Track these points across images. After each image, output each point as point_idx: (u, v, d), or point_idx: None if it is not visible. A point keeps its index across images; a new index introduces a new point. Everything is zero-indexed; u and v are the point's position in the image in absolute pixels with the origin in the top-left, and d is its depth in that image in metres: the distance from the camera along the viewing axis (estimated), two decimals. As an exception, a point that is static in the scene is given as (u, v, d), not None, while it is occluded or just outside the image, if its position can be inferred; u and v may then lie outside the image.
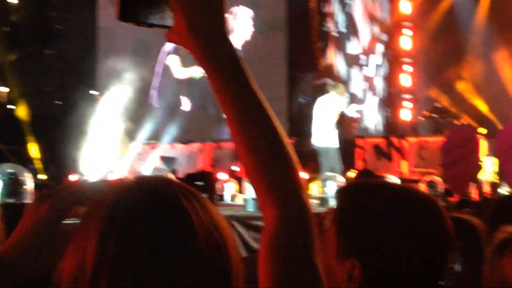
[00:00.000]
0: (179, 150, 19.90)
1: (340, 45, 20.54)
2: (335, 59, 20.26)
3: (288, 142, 1.41)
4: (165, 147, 19.98)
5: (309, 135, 18.58)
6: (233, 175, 17.52)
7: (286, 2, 18.83)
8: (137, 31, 19.60)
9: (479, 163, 14.23)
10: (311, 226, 1.35)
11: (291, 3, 18.69)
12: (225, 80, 1.34)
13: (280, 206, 1.32)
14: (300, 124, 19.13)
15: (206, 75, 1.35)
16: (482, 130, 21.25)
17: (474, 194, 12.19)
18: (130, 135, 19.62)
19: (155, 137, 19.85)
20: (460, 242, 2.46)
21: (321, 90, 18.82)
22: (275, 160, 1.36)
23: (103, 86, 19.99)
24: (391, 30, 23.96)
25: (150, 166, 18.06)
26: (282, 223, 1.31)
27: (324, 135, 13.12)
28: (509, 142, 12.00)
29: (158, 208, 1.14)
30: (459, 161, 11.00)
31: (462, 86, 22.75)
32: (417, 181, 13.95)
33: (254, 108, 1.36)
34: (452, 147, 11.59)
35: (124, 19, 1.38)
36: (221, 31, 1.35)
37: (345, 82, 20.50)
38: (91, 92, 21.13)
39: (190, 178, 9.75)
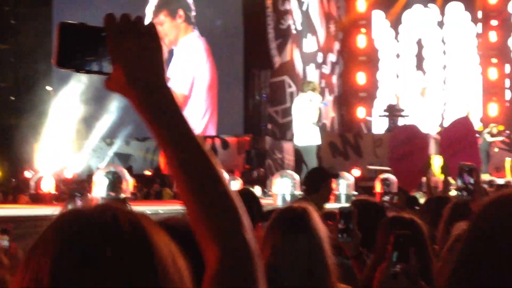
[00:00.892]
0: (134, 147, 19.79)
1: (298, 43, 20.60)
2: (294, 56, 20.31)
3: (226, 183, 1.37)
4: (120, 144, 19.86)
5: (265, 132, 18.68)
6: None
7: (242, 1, 18.83)
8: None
9: (428, 160, 14.39)
10: (253, 264, 1.32)
11: (247, 2, 18.69)
12: (165, 131, 1.35)
13: (220, 247, 1.31)
14: (256, 121, 19.18)
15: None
16: (436, 130, 21.53)
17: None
18: (86, 131, 19.48)
19: (110, 134, 19.71)
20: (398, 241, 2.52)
21: (278, 88, 18.92)
22: (214, 203, 1.34)
23: (58, 82, 19.79)
24: (347, 29, 24.13)
25: (105, 163, 17.93)
26: (223, 264, 1.30)
27: (306, 133, 13.02)
28: (452, 138, 12.19)
29: (115, 241, 1.11)
30: (406, 157, 11.10)
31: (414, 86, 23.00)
32: (372, 178, 14.07)
33: (193, 155, 1.36)
34: (399, 143, 11.71)
35: (62, 66, 1.36)
36: (159, 81, 1.36)
37: (302, 80, 20.59)
38: (47, 88, 20.92)
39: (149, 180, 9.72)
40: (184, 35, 20.24)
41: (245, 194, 5.09)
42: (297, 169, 12.93)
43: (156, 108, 1.35)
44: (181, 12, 20.25)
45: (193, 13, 20.16)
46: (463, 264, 1.31)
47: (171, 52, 19.95)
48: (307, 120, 12.88)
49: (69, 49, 1.36)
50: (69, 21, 1.38)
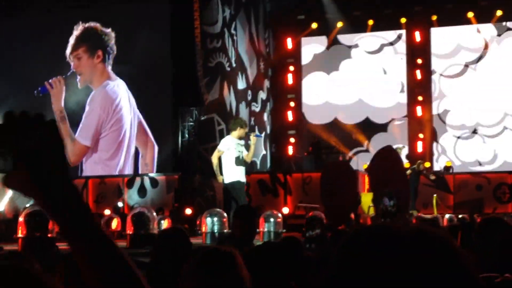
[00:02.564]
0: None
1: (231, 80, 20.68)
2: (228, 93, 20.38)
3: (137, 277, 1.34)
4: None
5: (194, 170, 18.59)
6: (115, 211, 17.30)
7: (171, 37, 18.83)
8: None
9: (357, 196, 14.56)
10: None
11: (175, 38, 18.69)
12: (68, 226, 1.34)
13: None
14: (187, 159, 19.09)
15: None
16: (364, 166, 21.79)
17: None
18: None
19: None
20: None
21: (208, 125, 18.92)
22: None
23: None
24: (276, 66, 24.36)
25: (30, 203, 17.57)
26: None
27: (233, 171, 12.99)
28: (379, 171, 12.36)
29: None
30: (336, 193, 11.21)
31: (342, 121, 23.28)
32: (302, 216, 14.12)
33: (103, 250, 1.33)
34: (327, 181, 11.82)
35: None
36: (61, 178, 1.35)
37: (233, 117, 20.64)
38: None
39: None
40: (100, 80, 20.17)
41: (175, 233, 5.04)
42: (226, 207, 12.91)
43: (59, 203, 1.33)
44: (99, 52, 20.21)
45: (112, 55, 20.11)
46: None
47: (84, 91, 19.99)
48: (234, 158, 12.91)
49: None
50: None
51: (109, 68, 20.14)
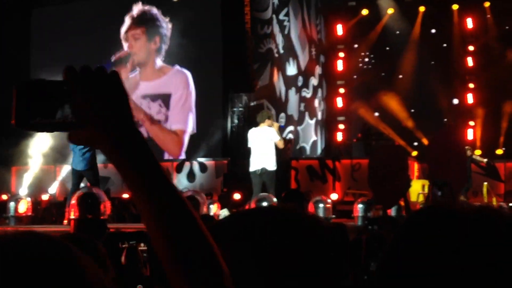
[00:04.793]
0: (112, 170, 19.69)
1: (280, 66, 20.69)
2: (277, 79, 20.40)
3: (205, 230, 1.32)
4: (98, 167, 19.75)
5: (243, 155, 18.67)
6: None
7: (222, 24, 18.91)
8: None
9: (409, 182, 14.46)
10: None
11: (226, 25, 18.77)
12: (136, 175, 1.31)
13: None
14: (236, 144, 19.18)
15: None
16: (414, 153, 21.65)
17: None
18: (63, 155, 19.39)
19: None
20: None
21: (257, 111, 18.98)
22: (192, 253, 1.30)
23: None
24: (327, 52, 24.28)
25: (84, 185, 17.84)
26: None
27: (258, 160, 13.32)
28: (438, 150, 12.28)
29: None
30: (385, 179, 11.13)
31: (394, 109, 23.13)
32: (351, 202, 14.11)
33: (170, 203, 1.31)
34: (377, 164, 11.72)
35: (22, 127, 1.30)
36: (129, 127, 1.33)
37: (283, 103, 20.66)
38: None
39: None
40: (152, 66, 20.30)
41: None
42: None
43: (128, 152, 1.32)
44: (157, 39, 20.31)
45: (165, 47, 20.26)
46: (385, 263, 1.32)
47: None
48: (261, 149, 13.29)
49: (29, 109, 1.30)
50: (26, 81, 1.31)
51: (161, 57, 20.33)
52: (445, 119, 22.73)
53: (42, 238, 1.10)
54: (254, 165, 13.42)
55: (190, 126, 19.81)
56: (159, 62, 20.31)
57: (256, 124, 13.90)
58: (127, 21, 20.41)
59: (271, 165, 13.38)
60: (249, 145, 13.54)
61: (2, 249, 1.05)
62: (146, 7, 20.36)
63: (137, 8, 20.40)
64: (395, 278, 1.25)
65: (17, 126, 1.30)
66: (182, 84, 20.05)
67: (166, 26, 20.17)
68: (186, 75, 20.03)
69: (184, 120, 19.81)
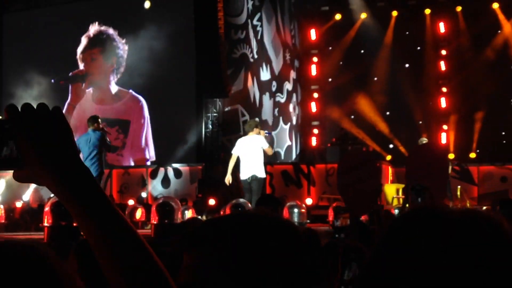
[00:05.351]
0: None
1: (255, 71, 20.67)
2: (252, 84, 20.39)
3: (157, 262, 1.35)
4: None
5: (217, 161, 18.64)
6: (139, 201, 17.39)
7: (195, 29, 18.86)
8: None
9: (379, 188, 14.48)
10: None
11: (199, 30, 18.71)
12: (86, 209, 1.33)
13: None
14: (210, 149, 19.15)
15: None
16: (388, 157, 21.74)
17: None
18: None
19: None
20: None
21: (232, 116, 18.95)
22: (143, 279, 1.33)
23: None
24: (301, 57, 24.33)
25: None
26: None
27: (249, 168, 13.31)
28: (418, 164, 12.31)
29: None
30: (354, 185, 11.12)
31: (367, 113, 23.20)
32: (326, 207, 14.12)
33: (116, 233, 1.33)
34: (345, 170, 11.72)
35: None
36: (74, 161, 1.34)
37: (257, 108, 20.64)
38: None
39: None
40: (107, 87, 20.38)
41: (195, 223, 5.08)
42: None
43: (72, 188, 1.33)
44: (114, 60, 20.45)
45: (121, 69, 20.40)
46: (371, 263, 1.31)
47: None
48: (251, 158, 13.29)
49: None
50: None
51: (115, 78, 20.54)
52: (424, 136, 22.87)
53: (12, 240, 1.14)
54: (245, 173, 13.42)
55: (151, 155, 20.07)
56: (114, 86, 20.52)
57: (244, 133, 14.02)
58: (84, 41, 20.59)
59: (261, 173, 13.40)
60: (236, 154, 13.47)
61: None
62: (103, 27, 20.52)
63: (93, 28, 20.56)
64: (381, 280, 1.23)
65: None
66: (140, 112, 20.22)
67: (123, 47, 20.35)
68: (141, 102, 20.26)
69: (146, 149, 20.07)
